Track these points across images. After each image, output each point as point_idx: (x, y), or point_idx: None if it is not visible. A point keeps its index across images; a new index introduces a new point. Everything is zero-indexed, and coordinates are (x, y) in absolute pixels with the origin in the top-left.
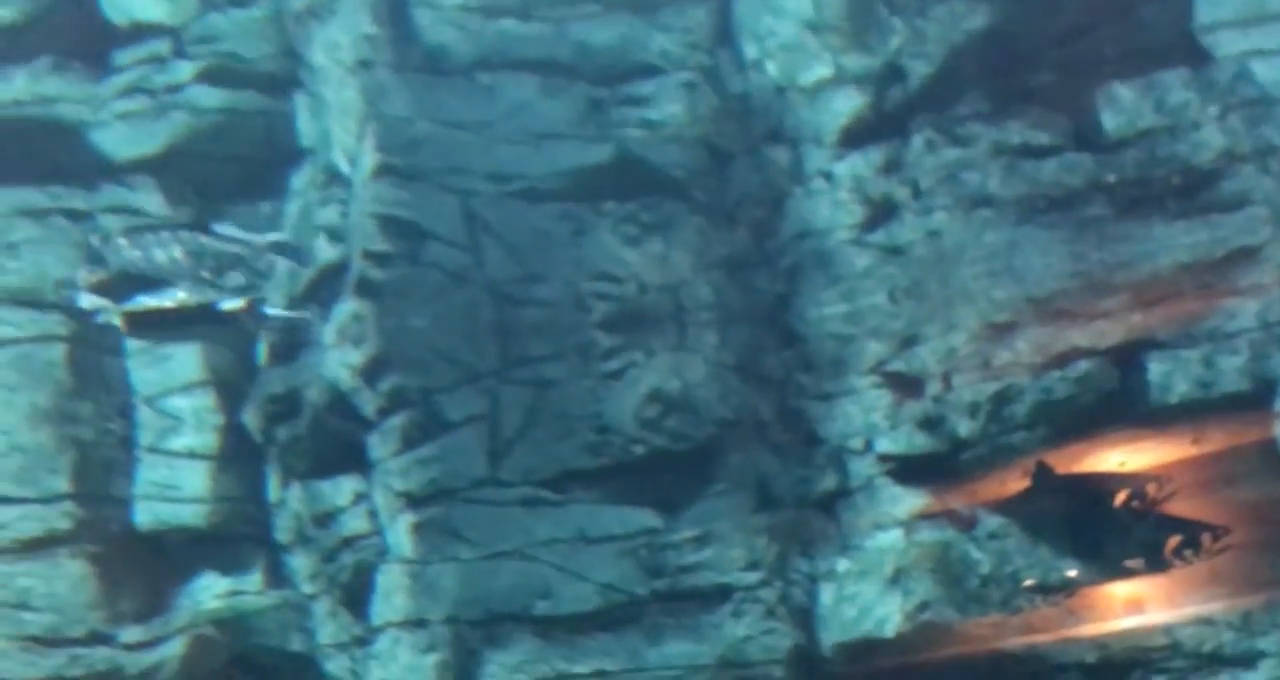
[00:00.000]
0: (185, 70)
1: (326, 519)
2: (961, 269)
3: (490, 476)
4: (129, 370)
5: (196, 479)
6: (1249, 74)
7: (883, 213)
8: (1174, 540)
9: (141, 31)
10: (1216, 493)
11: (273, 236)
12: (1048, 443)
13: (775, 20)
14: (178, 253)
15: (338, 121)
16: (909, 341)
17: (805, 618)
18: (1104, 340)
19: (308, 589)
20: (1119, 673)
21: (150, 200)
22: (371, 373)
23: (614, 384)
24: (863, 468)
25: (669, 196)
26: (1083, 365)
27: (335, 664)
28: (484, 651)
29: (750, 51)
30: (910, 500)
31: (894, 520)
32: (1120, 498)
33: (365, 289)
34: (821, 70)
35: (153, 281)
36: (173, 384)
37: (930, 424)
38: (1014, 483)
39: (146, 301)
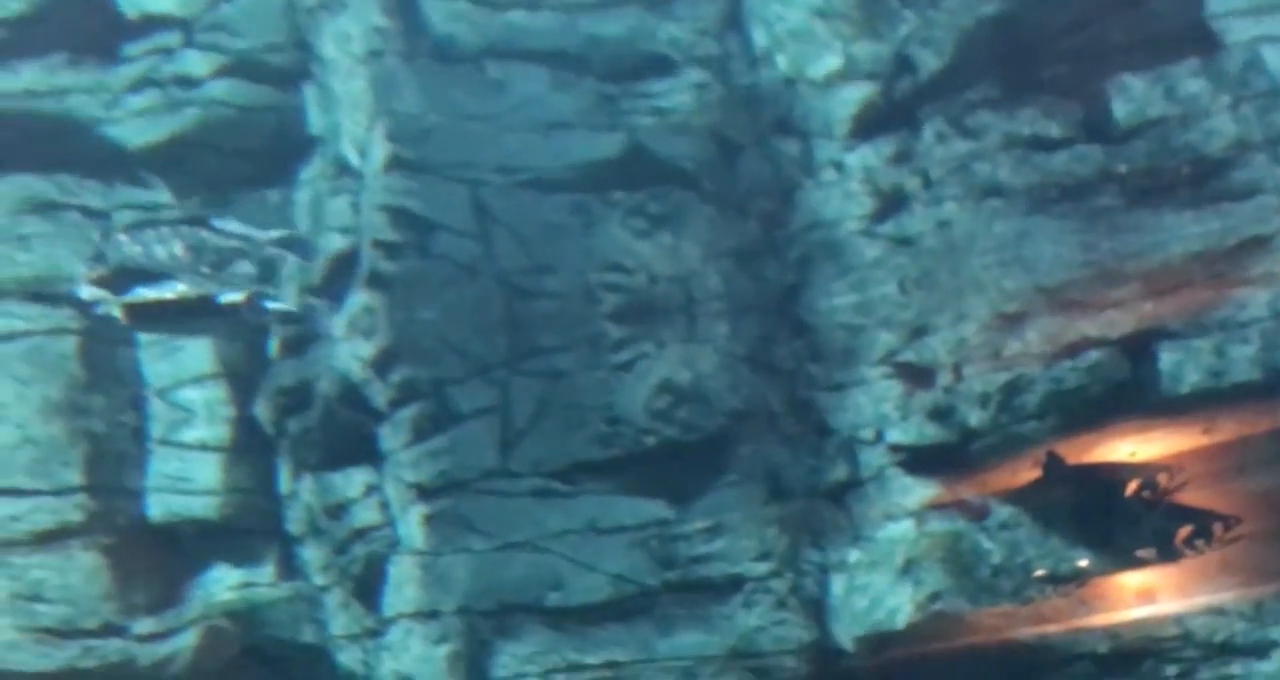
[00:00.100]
0: (195, 61)
1: (338, 511)
2: (972, 259)
3: (501, 468)
4: (141, 363)
5: (208, 471)
6: (1260, 62)
7: (893, 203)
8: (1185, 530)
9: (152, 23)
10: (1228, 482)
11: (275, 232)
12: (1058, 433)
13: (784, 8)
14: (178, 248)
15: (347, 113)
16: (919, 332)
17: (816, 608)
18: (1115, 330)
19: (319, 580)
20: (1130, 662)
21: (158, 192)
22: (382, 364)
23: (624, 375)
24: (873, 458)
25: (679, 187)
26: (1093, 355)
27: (347, 655)
28: (496, 642)
29: (760, 39)
30: (921, 490)
31: (905, 511)
32: (1131, 487)
33: (376, 281)
34: (831, 60)
35: (153, 275)
36: (184, 376)
37: (941, 414)
38: (1025, 473)
39: (145, 294)
